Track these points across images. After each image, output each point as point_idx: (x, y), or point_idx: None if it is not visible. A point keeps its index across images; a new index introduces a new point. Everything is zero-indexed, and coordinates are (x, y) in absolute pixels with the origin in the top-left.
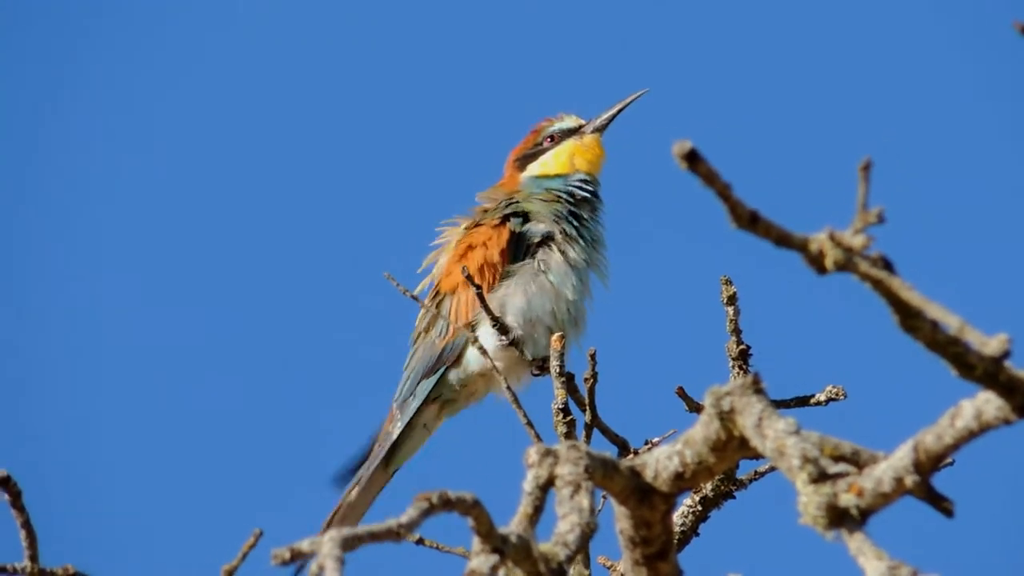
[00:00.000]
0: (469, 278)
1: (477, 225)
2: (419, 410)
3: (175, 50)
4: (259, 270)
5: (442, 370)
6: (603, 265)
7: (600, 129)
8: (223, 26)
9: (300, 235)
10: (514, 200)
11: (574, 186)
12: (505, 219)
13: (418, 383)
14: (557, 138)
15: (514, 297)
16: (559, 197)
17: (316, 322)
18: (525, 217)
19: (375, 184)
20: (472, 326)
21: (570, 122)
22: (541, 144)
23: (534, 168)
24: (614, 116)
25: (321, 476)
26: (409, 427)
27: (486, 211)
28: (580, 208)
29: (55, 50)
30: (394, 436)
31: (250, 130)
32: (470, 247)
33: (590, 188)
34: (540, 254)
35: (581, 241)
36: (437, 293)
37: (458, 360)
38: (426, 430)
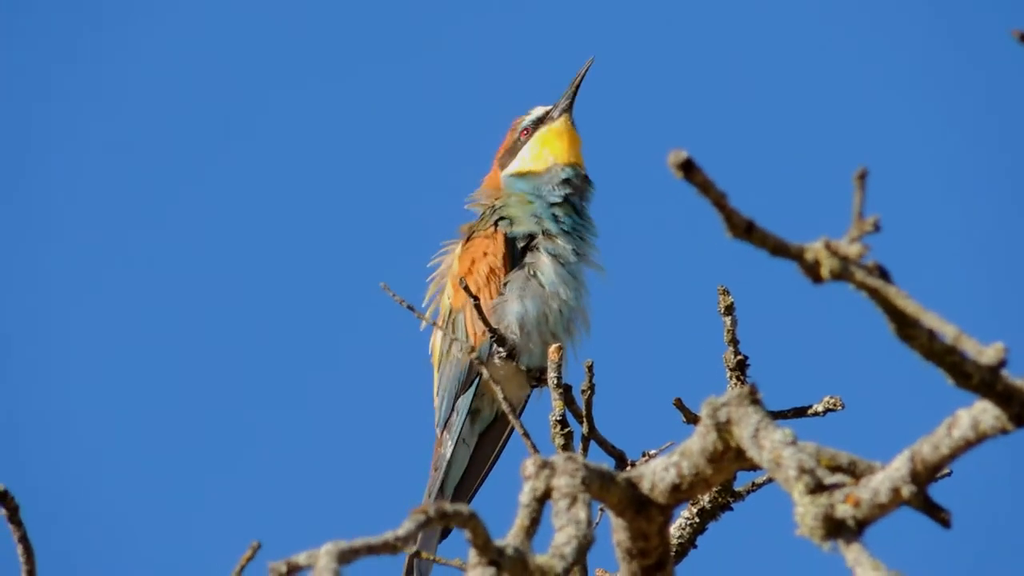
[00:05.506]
0: (466, 289)
1: (470, 238)
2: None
3: (170, 51)
4: (259, 276)
5: (477, 381)
6: (595, 256)
7: (566, 109)
8: (219, 31)
9: (299, 238)
10: (497, 206)
11: (546, 190)
12: (496, 225)
13: (455, 400)
14: (530, 130)
15: (509, 304)
16: (531, 201)
17: (320, 327)
18: (509, 222)
19: (373, 191)
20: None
21: (538, 111)
22: (518, 140)
23: (513, 166)
24: (573, 93)
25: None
26: (456, 445)
27: (472, 226)
28: (559, 204)
29: (50, 51)
30: (448, 455)
31: (249, 135)
32: (473, 261)
33: (567, 186)
34: (528, 257)
35: (566, 237)
36: (450, 312)
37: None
38: (466, 446)
